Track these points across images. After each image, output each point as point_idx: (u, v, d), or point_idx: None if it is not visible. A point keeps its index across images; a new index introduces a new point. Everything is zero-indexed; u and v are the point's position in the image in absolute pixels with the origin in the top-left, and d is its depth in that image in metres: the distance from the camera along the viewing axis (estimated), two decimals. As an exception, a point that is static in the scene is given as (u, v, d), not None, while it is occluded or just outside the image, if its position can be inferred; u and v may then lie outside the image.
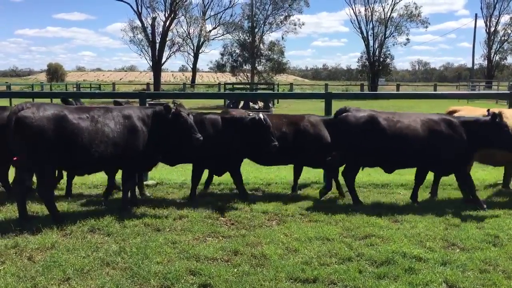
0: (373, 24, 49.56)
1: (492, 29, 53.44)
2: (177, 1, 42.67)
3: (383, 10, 48.87)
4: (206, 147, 6.39)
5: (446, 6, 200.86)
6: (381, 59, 50.31)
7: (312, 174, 8.70)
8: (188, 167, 7.16)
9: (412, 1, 54.17)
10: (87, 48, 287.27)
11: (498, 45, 53.94)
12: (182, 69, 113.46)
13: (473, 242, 5.18)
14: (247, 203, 6.58)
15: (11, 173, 6.33)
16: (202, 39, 56.64)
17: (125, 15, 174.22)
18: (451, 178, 7.69)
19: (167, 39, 44.63)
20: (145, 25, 43.53)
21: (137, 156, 6.05)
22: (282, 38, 46.31)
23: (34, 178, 5.77)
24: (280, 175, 8.85)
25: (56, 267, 4.33)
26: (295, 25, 44.83)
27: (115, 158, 5.91)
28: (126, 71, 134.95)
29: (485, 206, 6.55)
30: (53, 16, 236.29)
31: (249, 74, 44.22)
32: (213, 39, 55.45)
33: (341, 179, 7.21)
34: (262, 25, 44.83)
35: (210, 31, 54.96)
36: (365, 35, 49.96)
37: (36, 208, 6.16)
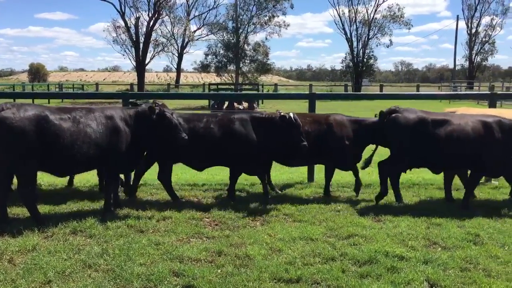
0: (356, 25, 49.84)
1: (473, 30, 54.09)
2: (161, 1, 42.34)
3: (367, 11, 49.13)
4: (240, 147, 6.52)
5: (428, 7, 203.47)
6: (365, 60, 50.66)
7: (296, 175, 8.73)
8: (175, 169, 7.10)
9: (395, 2, 54.60)
10: (70, 48, 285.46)
11: (479, 46, 54.63)
12: (167, 70, 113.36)
13: (454, 240, 5.25)
14: (232, 204, 6.58)
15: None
16: (186, 40, 56.38)
17: (109, 15, 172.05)
18: (434, 177, 7.79)
19: (151, 39, 44.30)
20: (129, 25, 42.96)
21: (120, 157, 6.00)
22: (266, 38, 46.26)
23: (15, 180, 5.69)
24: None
25: (37, 270, 4.27)
26: (279, 26, 44.85)
27: (98, 159, 5.86)
28: (109, 71, 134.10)
29: None
30: (35, 15, 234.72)
31: (233, 75, 44.05)
32: (197, 40, 55.22)
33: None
34: (247, 26, 44.73)
35: (194, 31, 54.78)
36: (349, 36, 50.25)
37: (17, 210, 6.07)
